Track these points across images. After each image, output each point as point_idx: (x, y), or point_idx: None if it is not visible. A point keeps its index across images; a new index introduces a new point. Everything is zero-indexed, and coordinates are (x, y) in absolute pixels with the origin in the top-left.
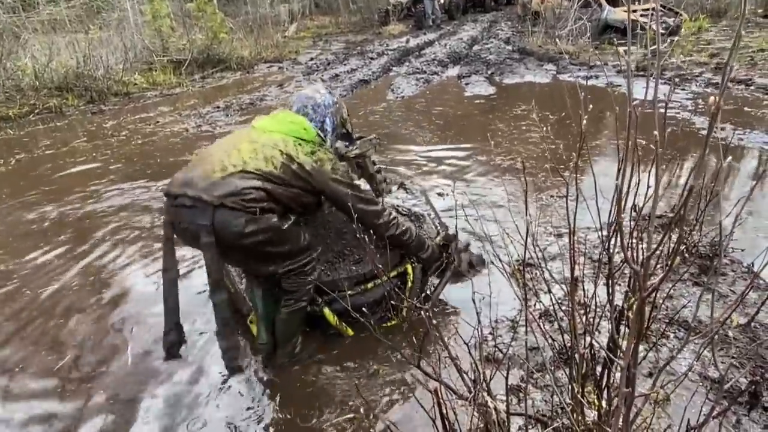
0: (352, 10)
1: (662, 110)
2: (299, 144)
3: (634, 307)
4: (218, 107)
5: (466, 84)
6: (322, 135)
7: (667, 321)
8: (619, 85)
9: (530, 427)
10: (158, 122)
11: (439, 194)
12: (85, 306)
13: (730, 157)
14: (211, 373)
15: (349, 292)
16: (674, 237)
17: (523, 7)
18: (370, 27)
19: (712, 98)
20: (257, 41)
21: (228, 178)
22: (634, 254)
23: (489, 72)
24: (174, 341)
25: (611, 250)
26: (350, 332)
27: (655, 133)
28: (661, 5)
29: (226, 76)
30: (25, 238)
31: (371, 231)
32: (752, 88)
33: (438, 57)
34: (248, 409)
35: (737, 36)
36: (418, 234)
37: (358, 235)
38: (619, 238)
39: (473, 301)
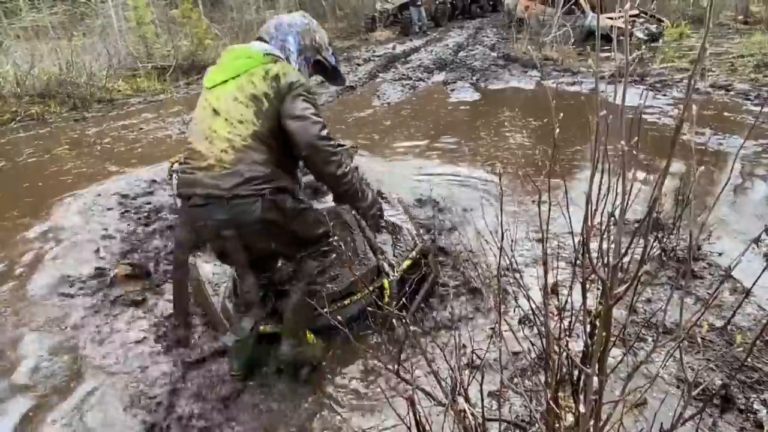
0: (338, 16)
1: (635, 116)
2: (251, 77)
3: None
4: None
5: (452, 90)
6: (279, 55)
7: (644, 324)
8: (602, 91)
9: (508, 431)
10: (142, 129)
11: (418, 200)
12: None
13: (701, 168)
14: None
15: (325, 310)
16: (649, 242)
17: (508, 14)
18: (357, 33)
19: (676, 110)
20: None
21: (230, 167)
22: (607, 261)
23: (474, 78)
24: (183, 336)
25: (585, 256)
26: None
27: (621, 143)
28: (644, 12)
29: None
30: None
31: (321, 170)
32: (732, 93)
33: (424, 63)
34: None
35: (701, 49)
36: (360, 179)
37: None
38: (586, 248)
39: (450, 308)
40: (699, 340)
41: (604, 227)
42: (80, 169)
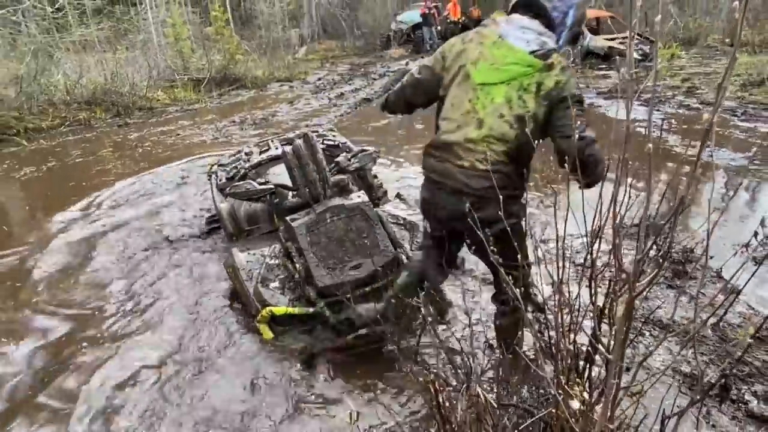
0: (356, 35)
1: (640, 129)
2: (523, 93)
3: (620, 306)
4: (234, 121)
5: None
6: (551, 46)
7: (642, 320)
8: (600, 106)
9: (519, 417)
10: (179, 134)
11: None
12: None
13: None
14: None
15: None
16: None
17: None
18: (373, 50)
19: (705, 115)
20: (270, 62)
21: (481, 173)
22: (620, 259)
23: None
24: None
25: (593, 256)
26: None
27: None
28: (638, 34)
29: (242, 93)
30: None
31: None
32: (720, 110)
33: None
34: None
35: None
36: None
37: (357, 243)
38: (607, 246)
39: (463, 299)
40: (702, 333)
41: (621, 229)
42: (121, 169)
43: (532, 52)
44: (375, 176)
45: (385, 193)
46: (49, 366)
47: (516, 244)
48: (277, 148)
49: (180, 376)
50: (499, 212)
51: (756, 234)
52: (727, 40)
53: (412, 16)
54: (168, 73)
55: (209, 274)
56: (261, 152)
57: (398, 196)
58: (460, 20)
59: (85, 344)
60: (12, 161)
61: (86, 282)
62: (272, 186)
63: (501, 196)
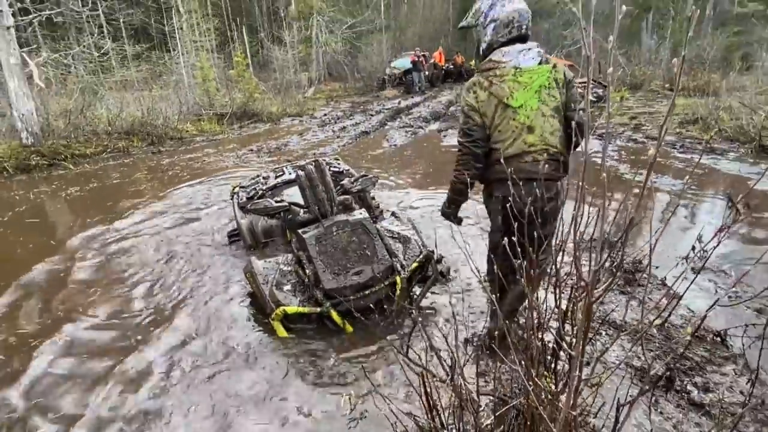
0: (356, 78)
1: (596, 158)
2: (550, 91)
3: (580, 309)
4: (252, 150)
5: (444, 136)
6: (546, 55)
7: (600, 321)
8: None
9: (495, 404)
10: (204, 160)
11: (422, 216)
12: None
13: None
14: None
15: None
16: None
17: None
18: (371, 91)
19: (651, 150)
20: (283, 100)
21: (544, 160)
22: (580, 270)
23: None
24: None
25: (557, 266)
26: (350, 329)
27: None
28: (593, 80)
29: (259, 126)
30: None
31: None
32: (663, 144)
33: (423, 115)
34: (268, 381)
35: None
36: None
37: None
38: (569, 258)
39: (450, 303)
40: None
41: (584, 244)
42: (153, 189)
43: (539, 63)
44: (373, 198)
45: (382, 212)
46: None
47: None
48: (290, 173)
49: (204, 366)
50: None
51: (693, 248)
52: (666, 86)
53: (403, 62)
54: (196, 109)
55: (230, 278)
56: (276, 176)
57: (393, 214)
58: (444, 66)
59: (118, 342)
60: (60, 182)
61: (116, 288)
62: (287, 204)
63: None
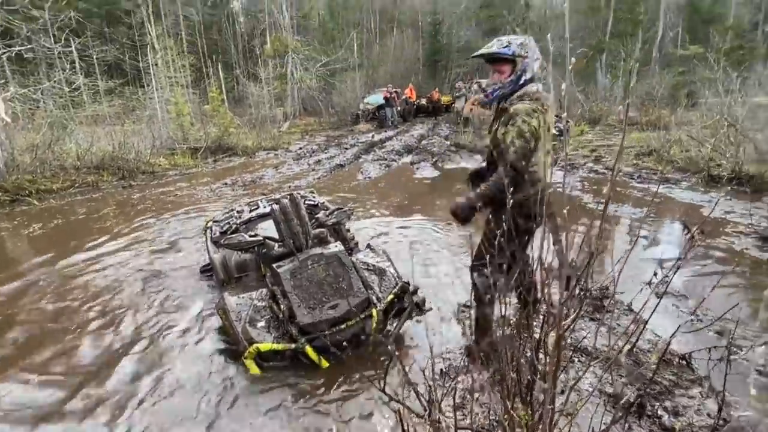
0: (331, 113)
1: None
2: (551, 115)
3: (552, 341)
4: (226, 183)
5: (417, 168)
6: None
7: (572, 349)
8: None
9: None
10: (177, 194)
11: (398, 242)
12: None
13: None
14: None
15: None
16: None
17: (457, 113)
18: (345, 125)
19: (604, 190)
20: (258, 134)
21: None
22: (550, 301)
23: (434, 160)
24: None
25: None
26: (326, 364)
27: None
28: (556, 115)
29: (234, 159)
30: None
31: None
32: (621, 174)
33: (396, 148)
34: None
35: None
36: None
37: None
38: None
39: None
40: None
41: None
42: (121, 224)
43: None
44: (348, 230)
45: (357, 243)
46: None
47: None
48: (265, 207)
49: (173, 408)
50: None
51: (655, 273)
52: (621, 119)
53: (376, 98)
54: (169, 143)
55: (203, 315)
56: (251, 210)
57: (368, 246)
58: (416, 101)
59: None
60: (22, 218)
61: (71, 329)
62: (261, 238)
63: None
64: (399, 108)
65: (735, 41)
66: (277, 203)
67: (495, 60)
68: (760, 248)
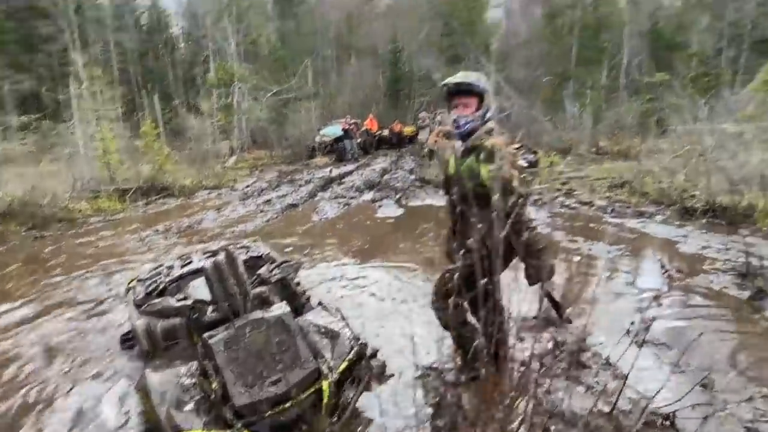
0: (284, 146)
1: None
2: None
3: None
4: (157, 230)
5: (379, 206)
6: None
7: (548, 416)
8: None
9: None
10: (98, 246)
11: (358, 304)
12: None
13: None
14: None
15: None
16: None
17: (422, 145)
18: (300, 159)
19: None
20: (199, 171)
21: None
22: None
23: (397, 196)
24: None
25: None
26: None
27: None
28: (524, 146)
29: (169, 202)
30: None
31: None
32: (594, 208)
33: (356, 184)
34: None
35: None
36: None
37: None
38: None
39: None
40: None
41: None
42: (26, 286)
43: None
44: (298, 283)
45: (309, 299)
46: None
47: None
48: (199, 261)
49: None
50: None
51: (632, 322)
52: (592, 150)
53: (334, 130)
54: (93, 184)
55: (120, 395)
56: (183, 265)
57: (320, 304)
58: (377, 133)
59: None
60: None
61: None
62: (190, 303)
63: None
64: (359, 140)
65: (700, 68)
66: (213, 255)
67: (463, 92)
68: (739, 286)
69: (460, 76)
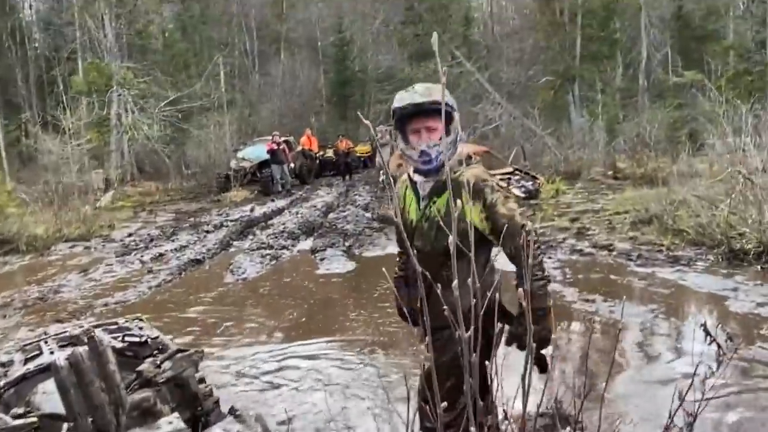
0: (184, 175)
1: None
2: None
3: None
4: None
5: (321, 259)
6: None
7: None
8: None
9: None
10: None
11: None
12: None
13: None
14: None
15: None
16: None
17: (380, 170)
18: (207, 194)
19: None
20: (58, 215)
21: None
22: None
23: (347, 244)
24: None
25: None
26: None
27: None
28: (518, 170)
29: (11, 261)
30: None
31: None
32: (614, 253)
33: (288, 228)
34: None
35: None
36: None
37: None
38: None
39: None
40: None
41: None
42: None
43: None
44: (201, 380)
45: (217, 403)
46: None
47: None
48: (51, 353)
49: None
50: None
51: (671, 417)
52: (609, 173)
53: (257, 152)
54: None
55: None
56: (26, 360)
57: (233, 411)
58: (319, 154)
59: None
60: None
61: None
62: (35, 420)
63: None
64: (293, 165)
65: (739, 64)
66: (72, 343)
67: (427, 112)
68: None
69: (421, 92)
